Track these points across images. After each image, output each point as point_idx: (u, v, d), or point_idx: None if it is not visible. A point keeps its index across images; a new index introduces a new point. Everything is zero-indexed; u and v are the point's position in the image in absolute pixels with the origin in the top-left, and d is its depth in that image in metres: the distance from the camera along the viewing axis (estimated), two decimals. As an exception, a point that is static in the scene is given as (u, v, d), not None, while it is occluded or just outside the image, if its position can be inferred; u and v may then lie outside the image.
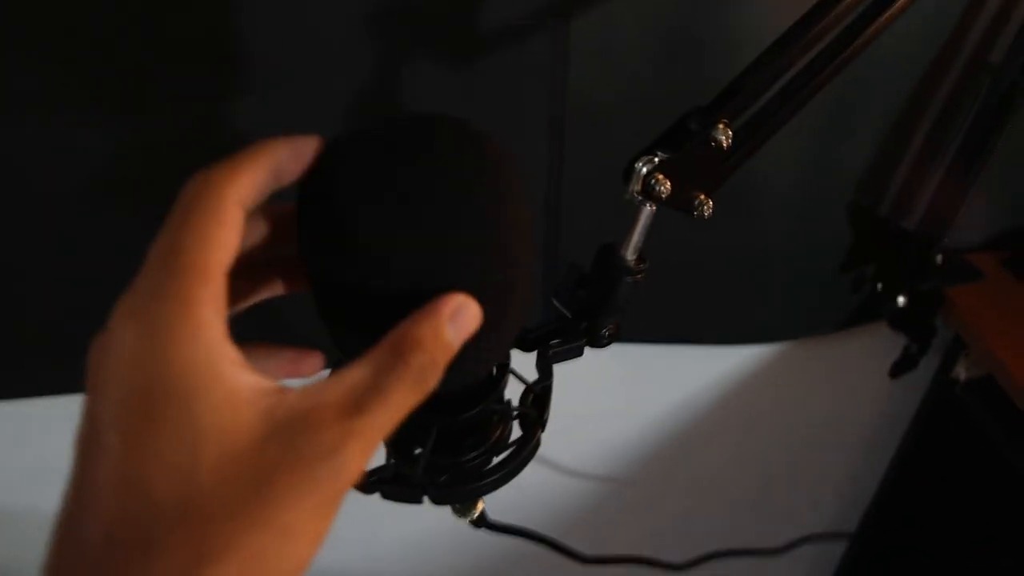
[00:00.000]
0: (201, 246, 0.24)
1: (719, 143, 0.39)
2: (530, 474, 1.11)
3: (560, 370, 0.69)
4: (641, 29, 0.61)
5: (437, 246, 0.28)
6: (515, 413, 0.40)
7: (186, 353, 0.23)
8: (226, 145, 0.58)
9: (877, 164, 0.75)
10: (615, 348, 0.90)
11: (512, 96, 0.62)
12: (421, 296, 0.27)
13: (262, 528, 0.22)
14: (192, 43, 0.55)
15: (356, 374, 0.25)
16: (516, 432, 0.41)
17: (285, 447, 0.23)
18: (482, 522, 0.52)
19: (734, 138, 0.40)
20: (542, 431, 0.39)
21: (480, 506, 0.51)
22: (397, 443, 0.39)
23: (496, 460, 0.40)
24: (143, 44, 0.54)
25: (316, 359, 0.33)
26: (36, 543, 0.86)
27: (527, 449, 0.38)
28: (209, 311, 0.24)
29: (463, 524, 0.47)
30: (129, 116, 0.57)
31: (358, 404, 0.24)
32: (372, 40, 0.56)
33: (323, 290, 0.30)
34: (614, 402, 0.97)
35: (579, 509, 1.07)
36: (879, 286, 0.79)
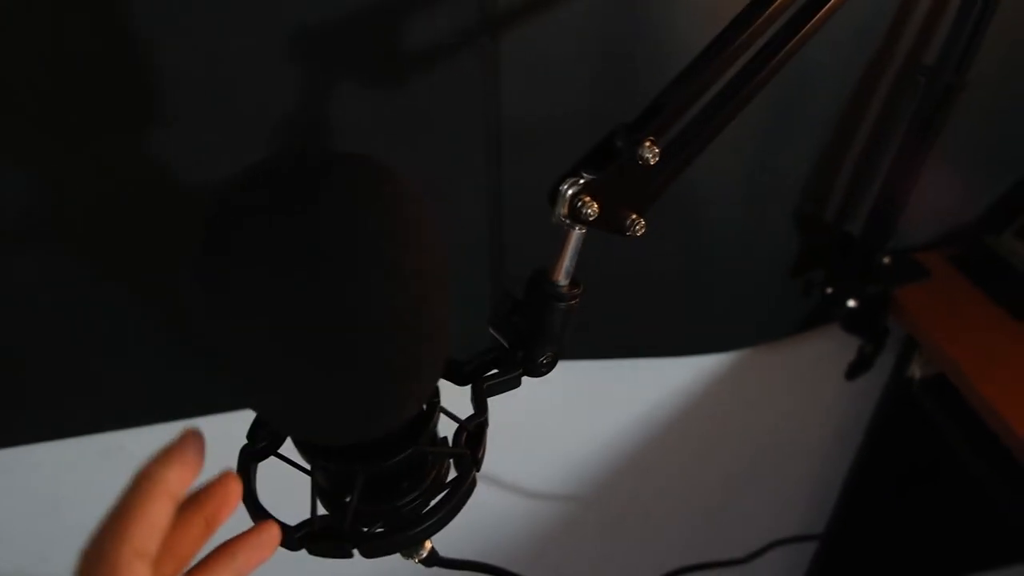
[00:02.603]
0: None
1: (646, 161, 0.38)
2: (487, 497, 1.09)
3: (519, 392, 0.67)
4: (573, 44, 0.60)
5: (337, 302, 0.26)
6: (452, 454, 0.38)
7: None
8: (151, 177, 0.56)
9: (819, 170, 0.74)
10: (570, 364, 0.88)
11: (445, 117, 0.60)
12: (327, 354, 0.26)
13: None
14: (108, 73, 0.52)
15: None
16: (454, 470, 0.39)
17: None
18: (433, 561, 0.50)
19: (662, 155, 0.39)
20: (477, 470, 0.37)
21: (428, 545, 0.49)
22: (326, 492, 0.37)
23: (433, 502, 0.38)
24: (58, 77, 0.51)
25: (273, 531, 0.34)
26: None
27: (461, 491, 0.36)
28: None
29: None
30: (48, 152, 0.54)
31: None
32: (294, 64, 0.54)
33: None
34: (572, 420, 0.96)
35: (540, 531, 1.05)
36: (829, 290, 0.79)
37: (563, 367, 0.91)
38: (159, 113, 0.54)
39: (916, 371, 0.89)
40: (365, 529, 0.36)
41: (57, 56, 0.50)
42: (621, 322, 0.81)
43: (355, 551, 0.35)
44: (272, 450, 0.38)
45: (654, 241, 0.75)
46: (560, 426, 0.95)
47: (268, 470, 0.39)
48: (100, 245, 0.61)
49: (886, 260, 0.76)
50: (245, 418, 0.40)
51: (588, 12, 0.58)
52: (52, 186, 0.56)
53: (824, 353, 0.95)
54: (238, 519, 0.36)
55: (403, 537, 0.36)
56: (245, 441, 0.38)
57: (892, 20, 0.67)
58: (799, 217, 0.77)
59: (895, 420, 0.97)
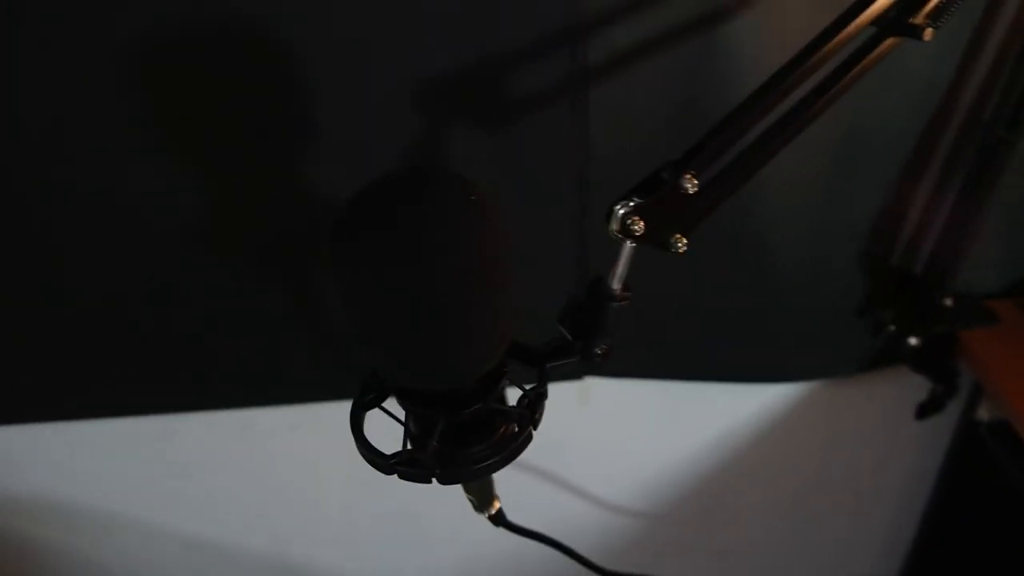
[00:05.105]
0: None
1: (685, 190, 0.47)
2: (566, 507, 1.18)
3: (599, 406, 0.75)
4: (655, 95, 0.70)
5: (438, 281, 0.37)
6: (513, 413, 0.47)
7: None
8: (291, 197, 0.70)
9: (885, 211, 0.80)
10: (652, 384, 0.96)
11: (540, 156, 0.72)
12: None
13: None
14: (269, 113, 0.67)
15: None
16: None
17: None
18: (500, 520, 0.60)
19: (701, 187, 0.47)
20: (534, 428, 0.47)
21: (497, 504, 0.59)
22: (414, 434, 0.47)
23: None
24: (230, 108, 0.66)
25: None
26: (133, 546, 0.99)
27: (519, 440, 0.46)
28: None
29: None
30: (212, 167, 0.69)
31: None
32: (416, 107, 0.67)
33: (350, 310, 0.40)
34: (650, 438, 1.03)
35: (613, 543, 1.11)
36: (892, 328, 0.84)
37: (637, 386, 0.99)
38: (304, 147, 0.69)
39: (984, 414, 0.91)
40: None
41: (239, 93, 0.65)
42: (693, 345, 0.89)
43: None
44: (377, 403, 0.49)
45: (729, 271, 0.83)
46: (635, 442, 1.02)
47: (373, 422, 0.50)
48: (245, 243, 0.75)
49: (948, 302, 0.80)
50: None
51: (669, 67, 0.68)
52: (205, 194, 0.71)
53: (896, 393, 0.98)
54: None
55: (473, 469, 0.45)
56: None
57: (956, 72, 0.73)
58: (865, 257, 0.82)
59: (965, 462, 0.99)
